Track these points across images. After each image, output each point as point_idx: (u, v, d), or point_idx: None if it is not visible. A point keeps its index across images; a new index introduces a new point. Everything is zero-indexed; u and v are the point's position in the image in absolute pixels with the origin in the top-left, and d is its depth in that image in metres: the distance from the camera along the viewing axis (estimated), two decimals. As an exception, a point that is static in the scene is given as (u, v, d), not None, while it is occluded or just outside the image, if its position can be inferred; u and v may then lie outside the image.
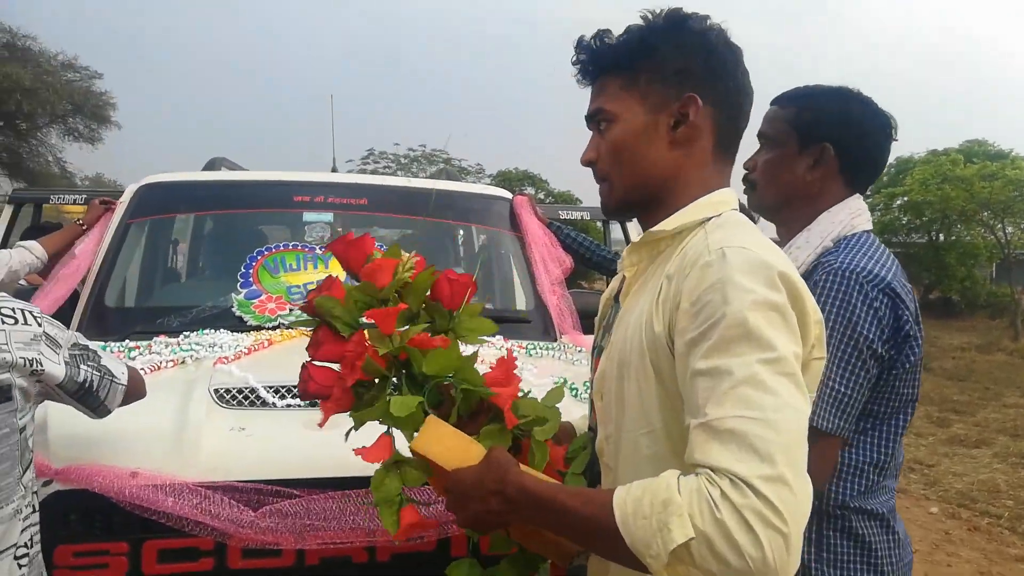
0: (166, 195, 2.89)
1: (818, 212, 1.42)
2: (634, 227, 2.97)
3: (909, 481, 5.45)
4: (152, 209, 2.85)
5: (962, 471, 5.74)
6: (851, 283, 1.28)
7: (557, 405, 1.25)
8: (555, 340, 2.55)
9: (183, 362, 2.01)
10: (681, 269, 0.98)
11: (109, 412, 1.44)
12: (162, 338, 2.19)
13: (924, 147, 18.12)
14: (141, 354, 2.05)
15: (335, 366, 1.19)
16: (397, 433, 1.17)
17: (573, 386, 1.93)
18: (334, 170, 4.78)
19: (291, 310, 2.41)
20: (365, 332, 1.17)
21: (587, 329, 2.61)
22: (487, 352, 2.12)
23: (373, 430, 1.18)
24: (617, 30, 1.10)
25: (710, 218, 1.04)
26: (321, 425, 1.20)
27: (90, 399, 1.40)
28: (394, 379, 1.19)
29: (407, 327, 1.19)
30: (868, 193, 1.48)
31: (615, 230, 3.62)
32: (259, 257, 2.62)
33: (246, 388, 1.77)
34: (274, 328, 2.32)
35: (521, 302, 2.86)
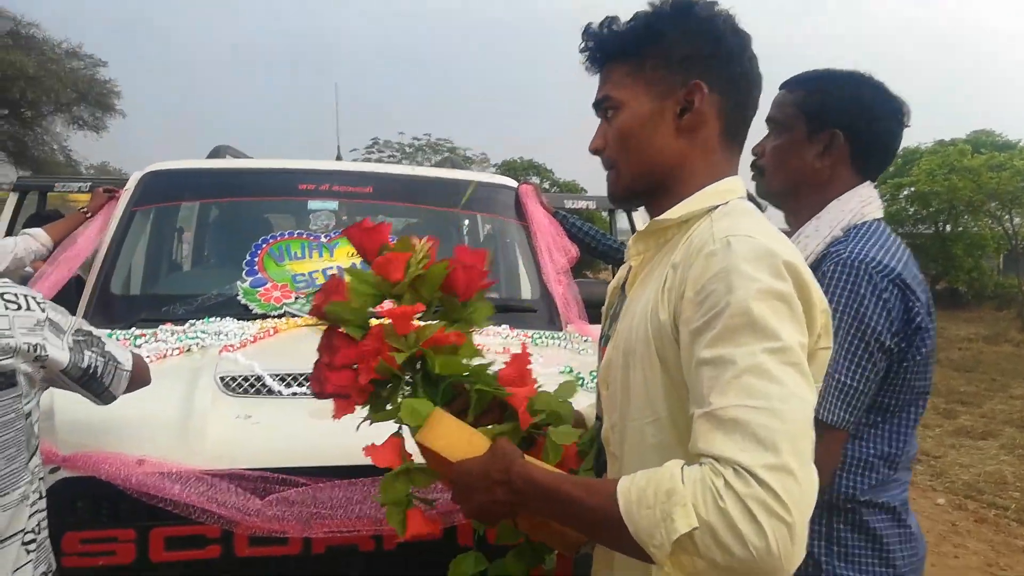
0: (171, 183, 2.89)
1: (827, 200, 1.39)
2: (640, 216, 2.96)
3: (916, 472, 5.44)
4: (157, 197, 2.85)
5: (969, 462, 5.72)
6: (860, 274, 1.26)
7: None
8: (561, 330, 2.55)
9: (189, 350, 2.02)
10: (687, 258, 0.97)
11: (114, 398, 1.45)
12: (168, 326, 2.20)
13: (931, 137, 17.97)
14: (147, 342, 2.06)
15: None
16: (406, 433, 1.17)
17: (579, 376, 1.93)
18: (339, 158, 4.77)
19: (296, 298, 2.41)
20: (381, 324, 1.17)
21: (592, 318, 2.60)
22: (492, 341, 2.12)
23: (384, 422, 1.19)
24: (625, 17, 1.09)
25: (717, 206, 1.03)
26: (336, 418, 1.20)
27: (94, 385, 1.40)
28: (408, 376, 1.19)
29: (422, 324, 1.19)
30: (875, 183, 1.45)
31: (621, 219, 3.60)
32: (264, 245, 2.63)
33: (252, 376, 1.77)
34: (279, 316, 2.32)
35: (527, 291, 2.85)
